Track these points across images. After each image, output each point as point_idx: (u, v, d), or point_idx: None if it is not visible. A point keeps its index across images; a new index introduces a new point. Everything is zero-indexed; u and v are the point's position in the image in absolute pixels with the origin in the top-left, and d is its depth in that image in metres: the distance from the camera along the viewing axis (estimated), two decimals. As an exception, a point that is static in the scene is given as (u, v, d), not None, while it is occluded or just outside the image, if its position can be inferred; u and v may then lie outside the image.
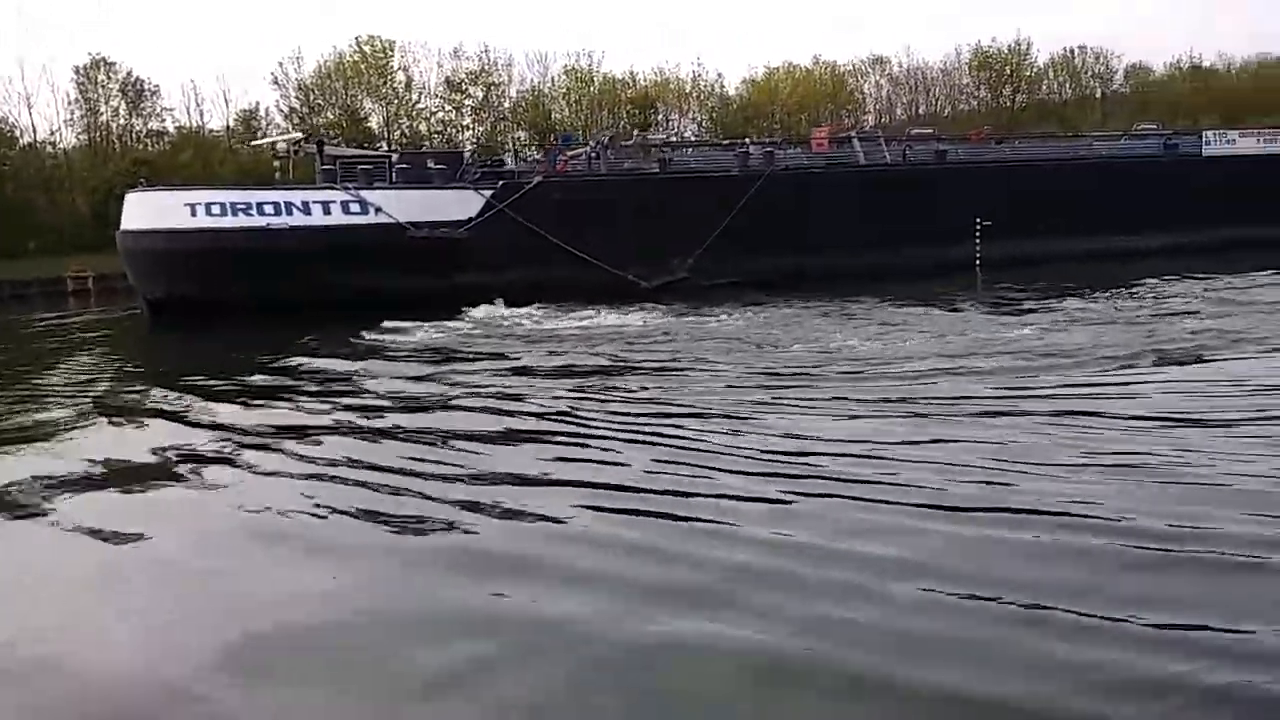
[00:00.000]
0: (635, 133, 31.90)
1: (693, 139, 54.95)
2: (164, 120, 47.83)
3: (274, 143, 25.40)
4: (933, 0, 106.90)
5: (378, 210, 22.55)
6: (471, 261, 22.87)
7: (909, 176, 29.03)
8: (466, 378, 12.86)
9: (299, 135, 25.65)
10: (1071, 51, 72.45)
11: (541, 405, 10.69)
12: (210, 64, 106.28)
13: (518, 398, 11.27)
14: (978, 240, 28.51)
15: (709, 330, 17.48)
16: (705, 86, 64.97)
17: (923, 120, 66.11)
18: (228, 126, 46.58)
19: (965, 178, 29.34)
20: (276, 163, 25.04)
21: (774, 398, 10.54)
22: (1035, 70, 72.03)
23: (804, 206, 26.71)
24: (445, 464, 8.33)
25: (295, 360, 14.94)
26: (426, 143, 51.40)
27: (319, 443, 9.32)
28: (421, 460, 8.40)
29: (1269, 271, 21.74)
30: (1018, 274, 25.13)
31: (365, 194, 22.66)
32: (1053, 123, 62.52)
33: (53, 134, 45.98)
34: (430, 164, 24.34)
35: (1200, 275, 22.46)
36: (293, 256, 21.57)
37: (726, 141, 32.02)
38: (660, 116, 63.08)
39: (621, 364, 13.70)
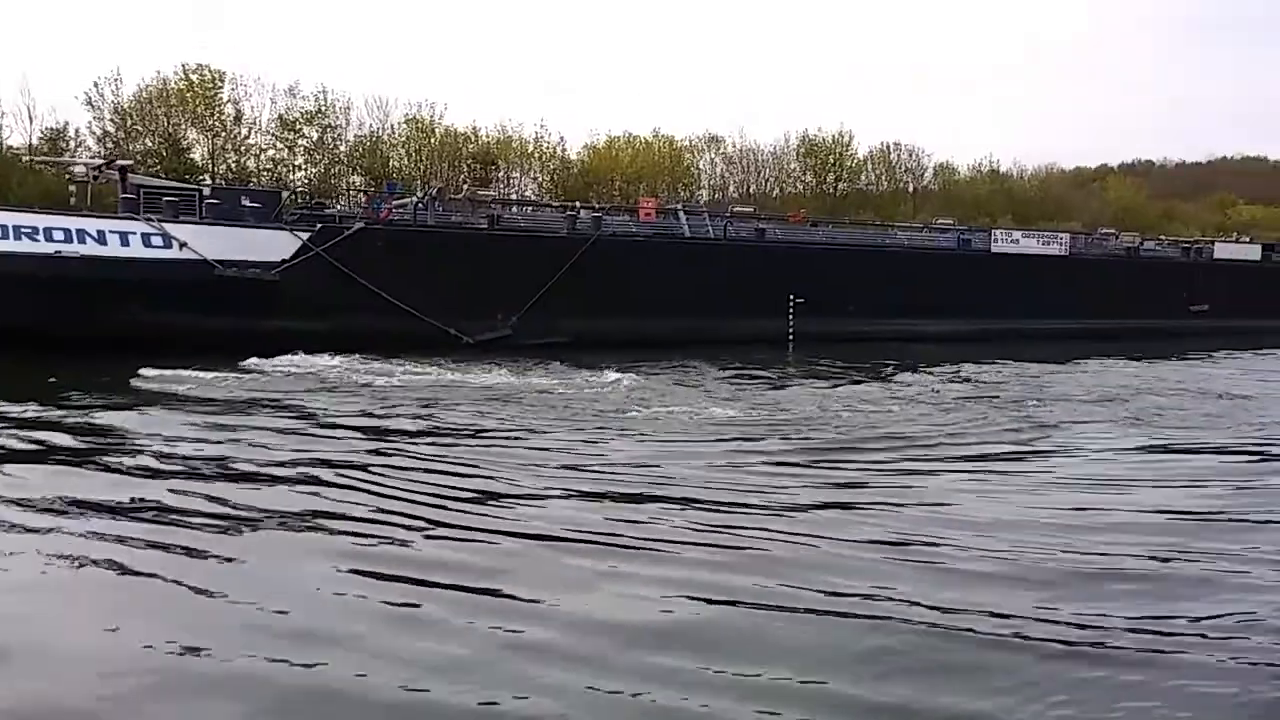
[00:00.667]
0: (465, 187, 31.60)
1: (533, 198, 55.24)
2: (-42, 136, 43.97)
3: (70, 165, 23.57)
4: (766, 90, 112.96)
5: (182, 245, 21.29)
6: (283, 305, 21.90)
7: (729, 251, 30.04)
8: (253, 435, 11.98)
9: (99, 160, 23.91)
10: (888, 147, 77.65)
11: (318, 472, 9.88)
12: (12, 75, 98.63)
13: (304, 463, 10.36)
14: (791, 316, 29.72)
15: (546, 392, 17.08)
16: (547, 148, 65.56)
17: (754, 199, 69.03)
18: (30, 144, 43.27)
19: (781, 256, 30.62)
20: (73, 187, 23.32)
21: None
22: (856, 161, 76.43)
23: (629, 273, 27.12)
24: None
25: (57, 410, 13.56)
26: (254, 180, 49.45)
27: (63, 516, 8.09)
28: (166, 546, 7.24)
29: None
30: (828, 350, 26.39)
31: (170, 227, 21.36)
32: (870, 211, 66.31)
33: None
34: (244, 201, 23.19)
35: (1007, 360, 24.24)
36: (83, 288, 20.01)
37: (557, 204, 32.28)
38: (502, 174, 63.09)
39: (432, 425, 13.22)
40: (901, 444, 12.01)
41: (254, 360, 18.84)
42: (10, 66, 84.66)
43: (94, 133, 46.95)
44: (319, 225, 23.50)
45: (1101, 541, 7.36)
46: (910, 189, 79.96)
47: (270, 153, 53.97)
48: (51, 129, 45.19)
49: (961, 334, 31.18)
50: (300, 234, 22.88)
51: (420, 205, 26.52)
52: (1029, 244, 34.58)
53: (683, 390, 17.44)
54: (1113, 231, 41.01)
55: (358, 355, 19.90)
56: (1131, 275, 37.13)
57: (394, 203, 26.33)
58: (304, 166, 54.95)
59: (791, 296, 29.63)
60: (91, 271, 20.31)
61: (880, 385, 19.08)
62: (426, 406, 14.55)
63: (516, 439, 11.98)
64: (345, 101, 55.63)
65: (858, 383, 19.37)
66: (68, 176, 22.27)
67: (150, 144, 47.58)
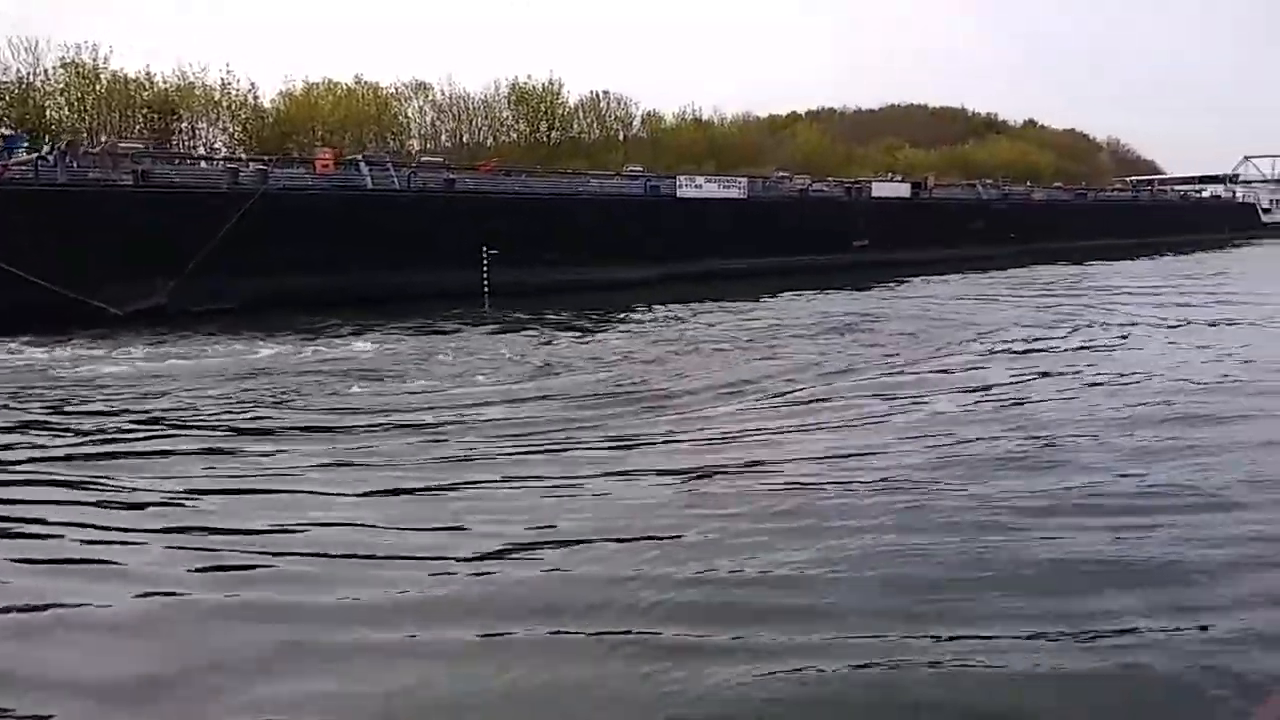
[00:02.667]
0: (104, 139, 28.11)
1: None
2: None
3: None
4: (473, 36, 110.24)
5: None
6: None
7: (416, 203, 28.80)
8: None
9: None
10: (597, 95, 78.04)
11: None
12: None
13: None
14: (485, 268, 29.03)
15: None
16: (237, 96, 60.01)
17: (467, 148, 67.20)
18: None
19: (471, 207, 29.78)
20: None
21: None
22: (567, 110, 76.14)
23: (306, 229, 25.32)
24: None
25: None
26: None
27: None
28: None
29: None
30: (527, 301, 25.99)
31: None
32: (584, 159, 66.49)
33: None
34: None
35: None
36: None
37: (220, 158, 29.50)
38: (185, 124, 57.25)
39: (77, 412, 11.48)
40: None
41: None
42: None
43: None
44: (-92, 187, 19.91)
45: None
46: (621, 137, 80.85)
47: (-114, 99, 45.74)
48: None
49: (655, 278, 31.88)
50: (-116, 197, 19.28)
51: (46, 161, 23.14)
52: (710, 189, 35.83)
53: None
54: (786, 175, 43.44)
55: None
56: (802, 215, 39.58)
57: (12, 161, 22.77)
58: (-65, 117, 47.08)
59: (484, 248, 28.92)
60: None
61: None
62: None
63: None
64: (-19, 44, 48.07)
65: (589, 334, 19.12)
66: None
67: None
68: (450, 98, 72.32)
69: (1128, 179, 75.41)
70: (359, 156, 30.04)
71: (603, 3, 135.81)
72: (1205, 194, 79.06)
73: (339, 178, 28.28)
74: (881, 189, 43.93)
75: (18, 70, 50.22)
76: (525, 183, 33.97)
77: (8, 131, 28.56)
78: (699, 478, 8.45)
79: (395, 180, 29.27)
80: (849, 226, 40.45)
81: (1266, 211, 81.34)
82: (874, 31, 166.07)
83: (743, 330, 19.68)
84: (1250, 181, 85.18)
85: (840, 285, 30.54)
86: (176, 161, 26.80)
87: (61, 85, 52.23)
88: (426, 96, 71.45)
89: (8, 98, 49.39)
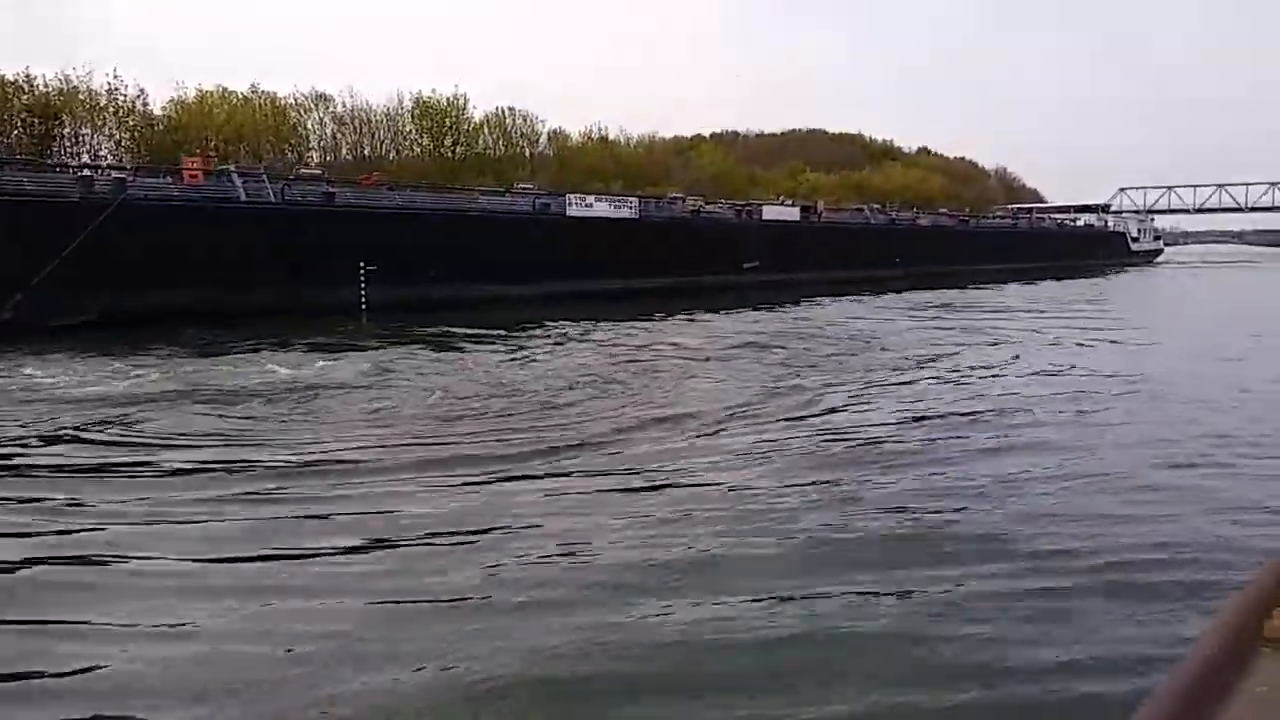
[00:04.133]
0: None
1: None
2: None
3: None
4: (376, 49, 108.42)
5: None
6: None
7: (290, 216, 27.68)
8: None
9: None
10: (503, 111, 77.24)
11: None
12: None
13: None
14: (363, 284, 28.10)
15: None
16: (124, 101, 57.37)
17: (370, 161, 65.64)
18: None
19: (350, 221, 28.80)
20: None
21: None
22: (473, 125, 75.13)
23: (168, 241, 24.01)
24: None
25: None
26: None
27: None
28: None
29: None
30: (407, 317, 25.08)
31: None
32: (490, 175, 65.66)
33: None
34: None
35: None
36: None
37: (75, 164, 27.89)
38: (68, 130, 54.46)
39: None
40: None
41: None
42: None
43: None
44: None
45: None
46: (527, 154, 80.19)
47: None
48: None
49: (541, 296, 31.30)
50: None
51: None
52: (601, 208, 35.52)
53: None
54: (680, 196, 43.45)
55: None
56: (693, 236, 39.56)
57: None
58: None
59: (363, 264, 28.00)
60: None
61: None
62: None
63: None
64: None
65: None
66: None
67: None
68: (351, 110, 70.69)
69: (1008, 206, 78.14)
70: (230, 167, 28.76)
71: (510, 16, 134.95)
72: (1080, 223, 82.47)
73: (209, 189, 26.96)
74: (772, 212, 44.31)
75: (-125, 70, 47.22)
76: (410, 198, 33.05)
77: None
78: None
79: (270, 192, 28.08)
80: (740, 248, 40.60)
81: (1135, 240, 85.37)
82: (772, 59, 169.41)
83: (648, 352, 18.92)
84: (1121, 212, 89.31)
85: (732, 306, 30.41)
86: (18, 169, 25.03)
87: (-76, 86, 49.28)
88: (327, 108, 69.65)
89: None
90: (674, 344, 20.36)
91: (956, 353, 18.60)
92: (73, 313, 21.54)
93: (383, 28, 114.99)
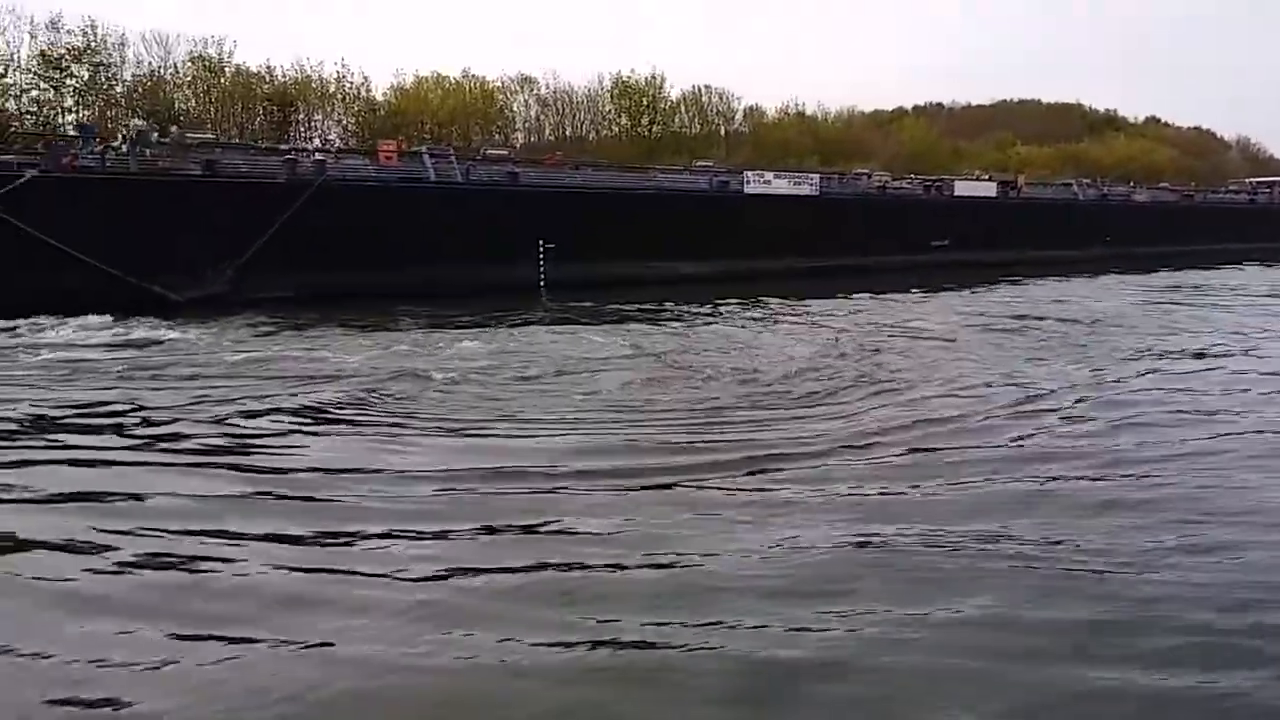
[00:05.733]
0: (173, 130, 28.76)
1: (339, 145, 51.75)
2: None
3: None
4: (580, 28, 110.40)
5: None
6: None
7: (474, 195, 28.50)
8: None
9: None
10: (699, 89, 76.97)
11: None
12: None
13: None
14: (541, 261, 28.60)
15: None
16: (350, 89, 61.46)
17: (569, 142, 67.18)
18: None
19: (531, 200, 29.33)
20: None
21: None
22: (669, 104, 75.33)
23: (361, 220, 25.27)
24: None
25: None
26: (16, 124, 44.21)
27: None
28: None
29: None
30: (585, 294, 25.31)
31: None
32: (685, 153, 65.66)
33: None
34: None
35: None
36: None
37: (285, 148, 29.83)
38: (302, 116, 58.99)
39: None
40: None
41: None
42: None
43: None
44: (-19, 176, 20.64)
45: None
46: (722, 131, 79.55)
47: (34, 93, 48.36)
48: None
49: (717, 274, 30.85)
50: (-42, 185, 20.02)
51: (114, 151, 23.73)
52: (780, 185, 34.41)
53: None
54: (866, 171, 41.45)
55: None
56: (878, 213, 37.65)
57: (77, 151, 23.40)
58: (75, 109, 49.55)
59: (541, 241, 28.49)
60: None
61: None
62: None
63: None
64: (119, 37, 50.40)
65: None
66: None
67: (-116, 84, 41.71)
68: (555, 92, 72.53)
69: (1246, 180, 69.29)
70: (423, 148, 29.91)
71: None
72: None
73: (402, 170, 28.22)
74: (964, 187, 41.42)
75: (150, 63, 52.65)
76: (590, 176, 33.29)
77: (79, 122, 29.35)
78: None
79: (457, 173, 29.06)
80: (927, 226, 38.31)
81: None
82: (983, 26, 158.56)
83: (866, 332, 17.55)
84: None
85: (924, 285, 28.51)
86: (245, 153, 27.07)
87: (189, 78, 54.51)
88: (532, 90, 71.83)
89: (141, 89, 51.76)
90: (894, 324, 19.05)
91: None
92: (272, 288, 23.03)
93: (587, 9, 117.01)
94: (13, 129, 40.75)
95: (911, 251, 36.74)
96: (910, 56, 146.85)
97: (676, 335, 17.51)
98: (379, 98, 62.23)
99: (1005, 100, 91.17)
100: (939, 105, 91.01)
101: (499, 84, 68.97)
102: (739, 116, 79.64)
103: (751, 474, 7.66)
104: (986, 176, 45.51)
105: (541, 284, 28.52)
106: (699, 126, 76.80)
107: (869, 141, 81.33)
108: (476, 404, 10.60)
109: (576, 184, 31.70)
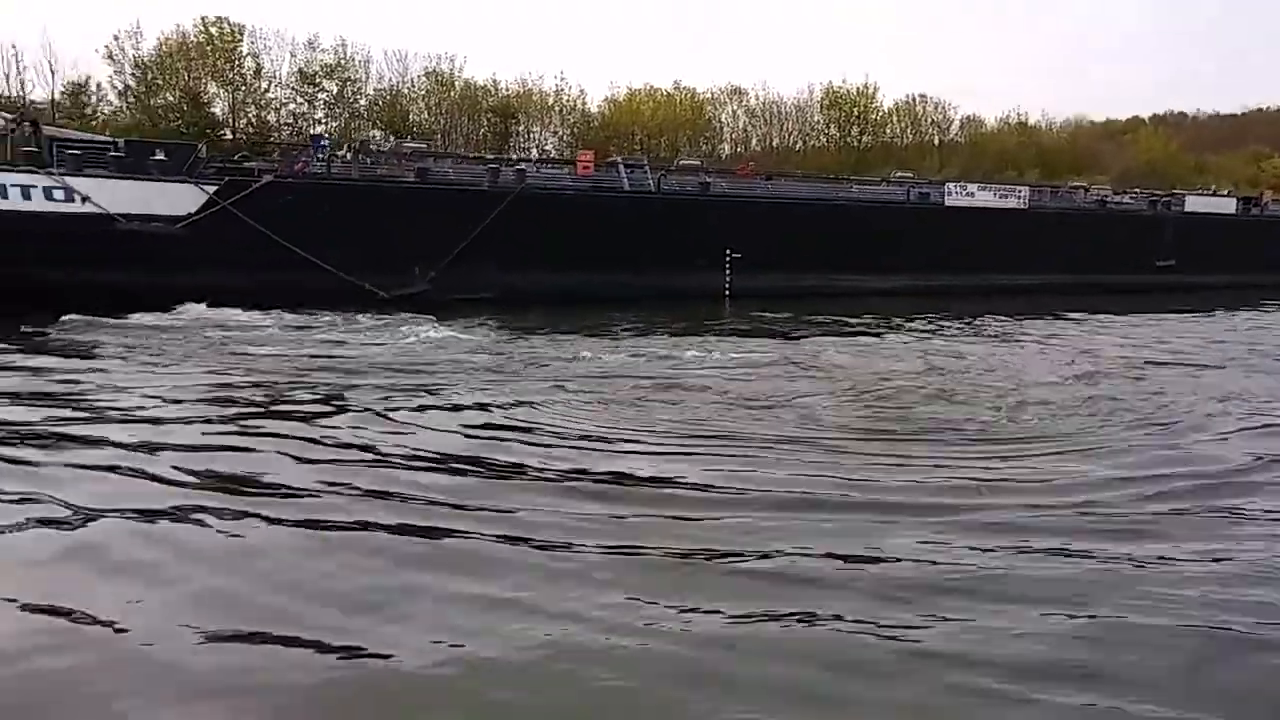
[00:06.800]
0: (392, 139, 30.74)
1: (553, 155, 54.06)
2: (-22, 88, 43.90)
3: (-15, 122, 23.28)
4: (789, 38, 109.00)
5: (84, 199, 20.98)
6: (188, 259, 21.46)
7: (664, 205, 28.73)
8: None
9: (12, 115, 23.71)
10: (913, 99, 74.30)
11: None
12: (34, 27, 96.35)
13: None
14: (728, 270, 28.45)
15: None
16: (568, 101, 63.99)
17: (777, 153, 66.70)
18: (52, 100, 43.54)
19: (720, 210, 29.22)
20: (-10, 142, 23.12)
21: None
22: (881, 114, 73.26)
23: (556, 227, 26.09)
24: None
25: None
26: (275, 134, 49.21)
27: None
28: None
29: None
30: (770, 305, 25.06)
31: (72, 180, 21.03)
32: (895, 163, 63.69)
33: None
34: (156, 155, 22.67)
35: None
36: (-15, 241, 19.76)
37: (491, 157, 31.20)
38: (522, 127, 61.99)
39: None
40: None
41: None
42: (31, 18, 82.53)
43: (115, 87, 46.99)
44: (226, 179, 22.91)
45: None
46: (936, 141, 76.42)
47: (290, 106, 53.54)
48: (73, 83, 45.33)
49: (910, 289, 29.61)
50: (206, 187, 22.35)
51: (339, 159, 25.74)
52: (984, 197, 32.41)
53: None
54: (1083, 185, 38.27)
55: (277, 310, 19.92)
56: (1097, 229, 34.67)
57: (311, 155, 25.56)
58: (324, 120, 54.42)
59: (728, 251, 28.35)
60: (-4, 226, 20.04)
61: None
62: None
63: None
64: (365, 55, 55.03)
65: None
66: (-16, 132, 22.05)
67: (171, 98, 47.39)
68: (763, 103, 72.19)
69: None
70: (618, 158, 30.48)
71: (923, 6, 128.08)
72: None
73: (597, 179, 28.91)
74: (1197, 202, 37.37)
75: (390, 79, 57.03)
76: (782, 187, 32.74)
77: (315, 133, 32.04)
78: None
79: (651, 182, 29.42)
80: (1152, 244, 34.89)
81: None
82: (1239, 27, 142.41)
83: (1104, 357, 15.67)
84: None
85: (1154, 308, 25.91)
86: (453, 162, 28.61)
87: (423, 92, 58.59)
88: (740, 101, 71.89)
89: (380, 103, 56.19)
90: (1141, 346, 17.52)
91: None
92: (471, 289, 24.18)
93: (795, 23, 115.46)
94: (270, 140, 45.30)
95: (1133, 271, 33.62)
96: (1151, 61, 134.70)
97: (910, 353, 16.38)
98: (593, 109, 64.48)
99: (1260, 109, 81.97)
100: (1180, 114, 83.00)
101: (709, 95, 69.57)
102: (954, 127, 76.27)
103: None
104: (1225, 192, 40.91)
105: (727, 293, 28.36)
106: (911, 136, 74.18)
107: (1098, 153, 75.56)
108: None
109: (767, 194, 31.28)
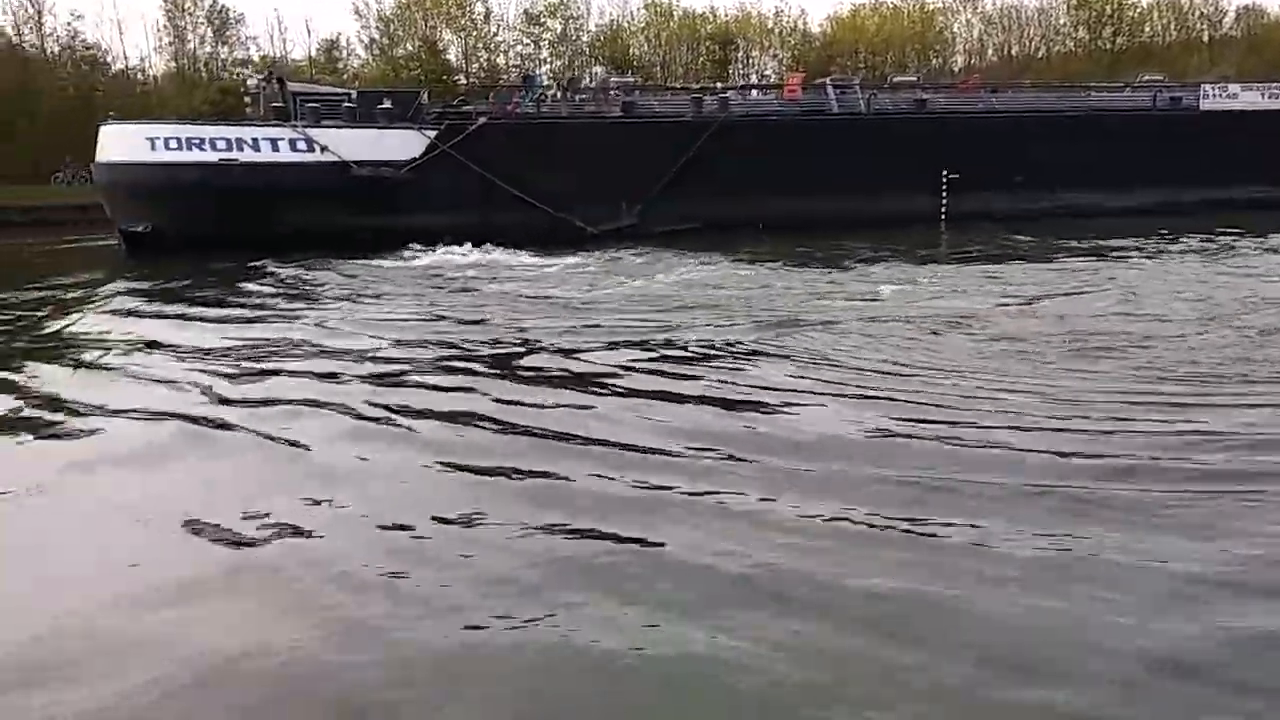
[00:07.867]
0: (599, 74, 30.80)
1: (772, 80, 52.75)
2: (248, 49, 46.81)
3: (244, 80, 25.52)
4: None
5: (323, 149, 22.76)
6: (413, 202, 22.82)
7: (874, 126, 27.14)
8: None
9: (263, 74, 25.92)
10: (1184, -9, 65.44)
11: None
12: None
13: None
14: (944, 194, 26.65)
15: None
16: (787, 23, 61.77)
17: (1016, 62, 61.29)
18: (309, 57, 47.41)
19: (939, 128, 27.22)
20: (248, 99, 25.47)
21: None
22: (1139, 11, 65.25)
23: (761, 154, 25.40)
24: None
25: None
26: (504, 76, 51.09)
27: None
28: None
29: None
30: (993, 228, 23.40)
31: (312, 132, 22.83)
32: (1155, 66, 56.78)
33: (142, 61, 46.81)
34: (383, 103, 24.17)
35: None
36: (243, 192, 21.98)
37: (697, 87, 30.58)
38: (741, 54, 60.71)
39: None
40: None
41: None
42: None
43: (361, 40, 50.30)
44: (445, 123, 24.03)
45: None
46: (1205, 38, 67.16)
47: (518, 48, 55.18)
48: (327, 40, 48.96)
49: (1151, 206, 26.42)
50: (428, 132, 23.57)
51: (548, 97, 26.25)
52: (1249, 98, 28.04)
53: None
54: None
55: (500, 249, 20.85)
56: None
57: (523, 95, 26.23)
58: (549, 60, 55.73)
59: (944, 172, 26.49)
60: (252, 177, 22.27)
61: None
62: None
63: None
64: (587, -11, 55.49)
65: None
66: (243, 90, 24.29)
67: (410, 48, 50.13)
68: (1001, 8, 66.16)
69: None
70: (827, 79, 29.00)
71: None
72: None
73: (805, 102, 27.73)
74: None
75: (610, 14, 57.45)
76: (1008, 99, 29.88)
77: (529, 74, 32.73)
78: None
79: (860, 102, 27.85)
80: None
81: None
82: None
83: None
84: None
85: None
86: (658, 94, 28.40)
87: (642, 25, 58.58)
88: (975, 9, 66.29)
89: (602, 39, 56.80)
90: None
91: None
92: (675, 220, 24.14)
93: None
94: (499, 82, 47.10)
95: None
96: None
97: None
98: (815, 30, 61.84)
99: None
100: None
101: (939, 5, 64.69)
102: (1228, 19, 66.39)
103: None
104: None
105: (943, 217, 26.63)
106: (1174, 34, 65.43)
107: None
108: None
109: (990, 109, 28.74)
